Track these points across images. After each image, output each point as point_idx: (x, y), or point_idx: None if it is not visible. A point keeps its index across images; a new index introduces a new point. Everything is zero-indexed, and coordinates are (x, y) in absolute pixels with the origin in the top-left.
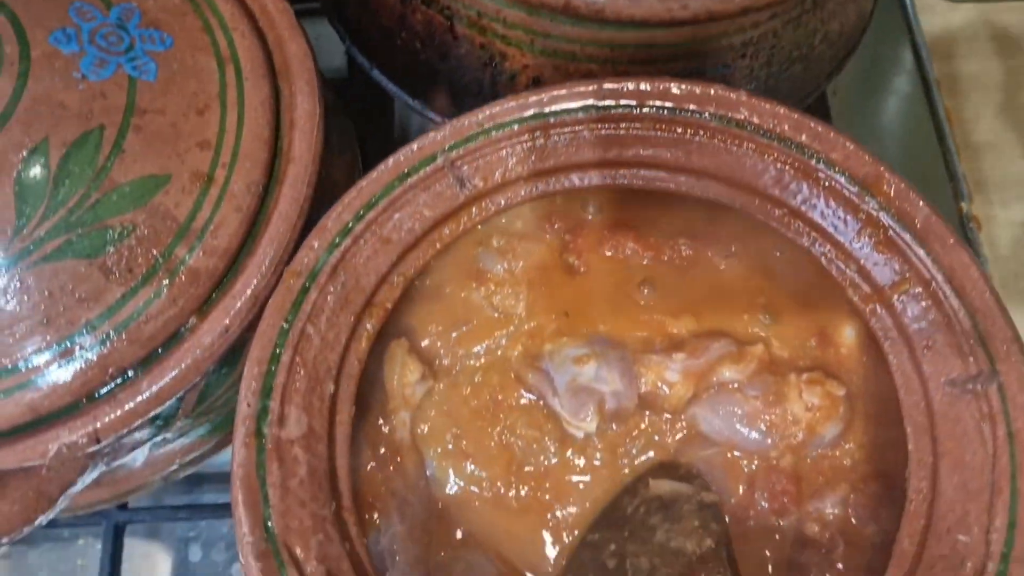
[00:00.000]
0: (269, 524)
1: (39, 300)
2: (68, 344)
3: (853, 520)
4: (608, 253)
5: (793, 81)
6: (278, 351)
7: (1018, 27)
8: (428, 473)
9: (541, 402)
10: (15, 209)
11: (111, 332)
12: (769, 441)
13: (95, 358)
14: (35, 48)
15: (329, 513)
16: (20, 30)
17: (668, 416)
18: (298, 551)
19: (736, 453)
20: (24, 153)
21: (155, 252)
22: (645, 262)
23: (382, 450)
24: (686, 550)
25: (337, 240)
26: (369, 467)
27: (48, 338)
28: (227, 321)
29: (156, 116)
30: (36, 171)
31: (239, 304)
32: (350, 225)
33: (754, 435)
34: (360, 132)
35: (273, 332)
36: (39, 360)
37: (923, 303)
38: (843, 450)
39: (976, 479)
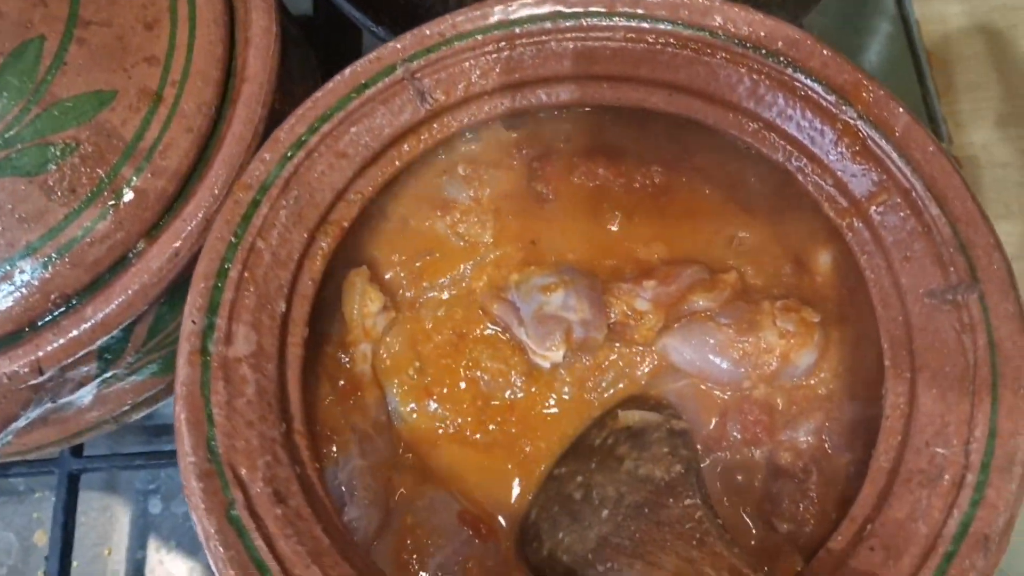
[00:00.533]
0: (213, 443)
1: None
2: (8, 268)
3: (828, 449)
4: (578, 180)
5: (770, 9)
6: (226, 266)
7: None
8: (390, 408)
9: (507, 335)
10: None
11: (53, 255)
12: (742, 371)
13: (37, 283)
14: None
15: (279, 435)
16: None
17: (638, 348)
18: (243, 472)
19: (708, 384)
20: None
21: (100, 172)
22: (616, 189)
23: (341, 383)
24: (654, 476)
25: (290, 153)
26: (328, 400)
27: None
28: (177, 245)
29: (101, 28)
30: None
31: (190, 228)
32: (304, 138)
33: (726, 365)
34: (326, 71)
35: (221, 246)
36: None
37: (902, 213)
38: (818, 379)
39: (955, 390)
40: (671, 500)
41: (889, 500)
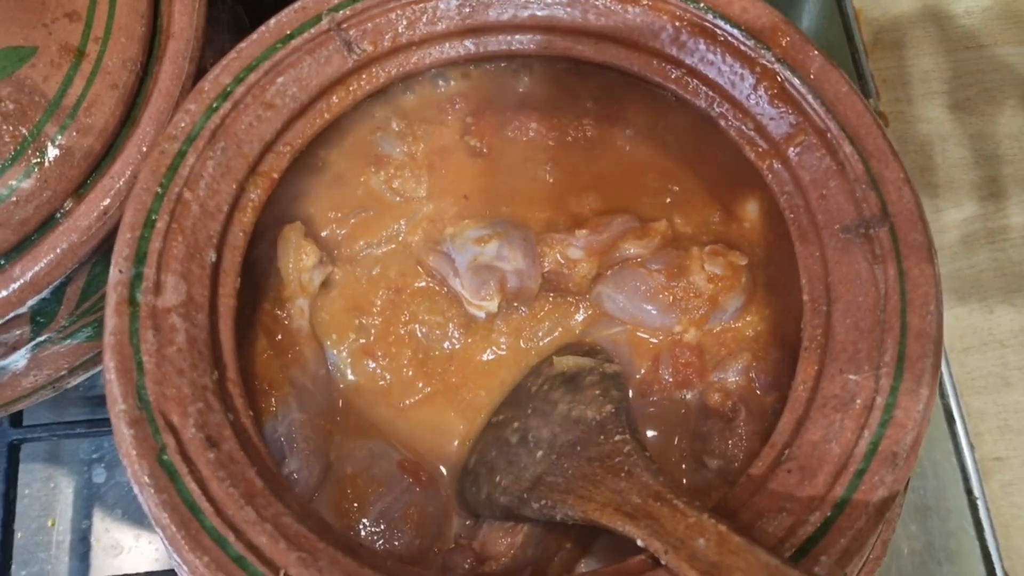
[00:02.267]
0: (143, 391)
1: None
2: None
3: (756, 389)
4: (511, 134)
5: None
6: (153, 217)
7: None
8: (329, 362)
9: (444, 288)
10: None
11: None
12: (673, 316)
13: None
14: None
15: (210, 382)
16: None
17: (573, 298)
18: (174, 418)
19: (641, 330)
20: None
21: (23, 130)
22: (550, 143)
23: (279, 337)
24: (587, 417)
25: (215, 104)
26: (265, 355)
27: None
28: (106, 203)
29: None
30: None
31: (118, 185)
32: (229, 88)
33: (657, 311)
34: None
35: (147, 197)
36: None
37: (818, 153)
38: (745, 322)
39: (867, 319)
40: (602, 437)
41: (806, 425)
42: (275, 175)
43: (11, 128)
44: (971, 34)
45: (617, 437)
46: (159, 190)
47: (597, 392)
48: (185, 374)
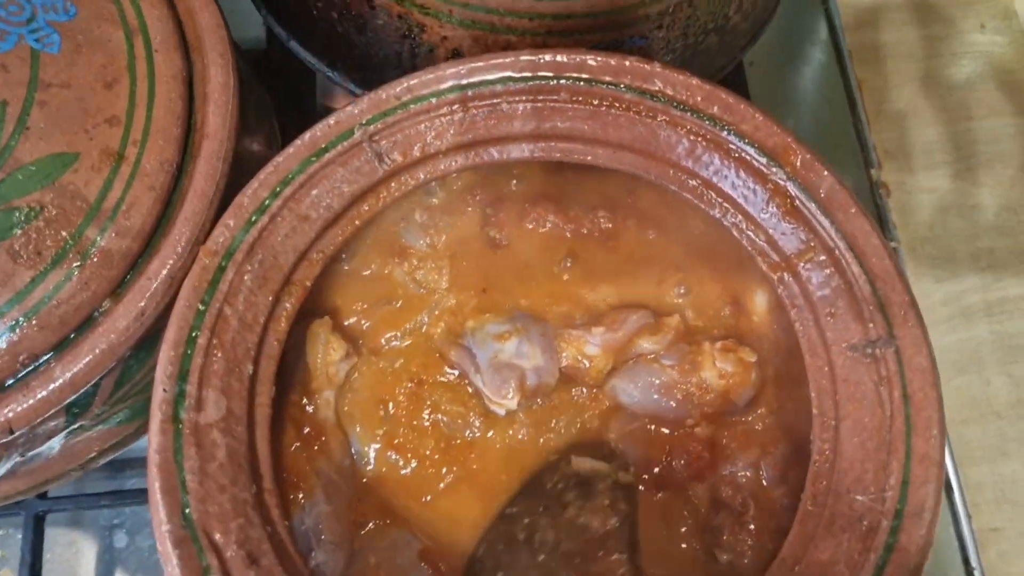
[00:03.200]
0: (187, 511)
1: None
2: None
3: (764, 482)
4: (529, 226)
5: (709, 53)
6: (194, 333)
7: None
8: (353, 452)
9: (466, 381)
10: None
11: (21, 318)
12: (685, 409)
13: (5, 345)
14: None
15: (250, 496)
16: None
17: (589, 390)
18: (217, 536)
19: (655, 423)
20: None
21: (65, 234)
22: (566, 235)
23: (306, 430)
24: (591, 527)
25: (253, 218)
26: (293, 447)
27: None
28: (143, 304)
29: (61, 90)
30: None
31: (155, 286)
32: (266, 202)
33: (671, 404)
34: (282, 103)
35: (189, 314)
36: None
37: (827, 270)
38: (755, 415)
39: (873, 439)
40: (601, 553)
41: (815, 541)
42: (308, 283)
43: (54, 233)
44: (972, 105)
45: (615, 556)
46: (200, 306)
47: (606, 502)
48: (226, 490)
